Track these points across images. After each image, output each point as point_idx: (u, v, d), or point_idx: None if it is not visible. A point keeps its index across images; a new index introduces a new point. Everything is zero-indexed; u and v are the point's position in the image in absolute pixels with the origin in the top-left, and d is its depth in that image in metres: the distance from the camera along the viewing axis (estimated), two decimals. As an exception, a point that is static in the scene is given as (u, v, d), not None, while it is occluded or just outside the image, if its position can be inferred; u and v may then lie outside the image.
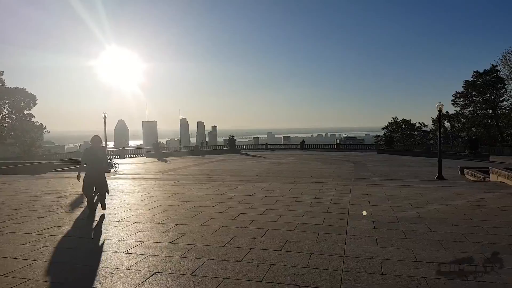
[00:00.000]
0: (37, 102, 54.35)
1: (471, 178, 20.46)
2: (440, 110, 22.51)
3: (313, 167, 29.42)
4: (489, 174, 17.40)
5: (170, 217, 8.20)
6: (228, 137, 57.76)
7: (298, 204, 9.62)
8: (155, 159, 40.41)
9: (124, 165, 32.91)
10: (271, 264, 5.18)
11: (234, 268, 5.05)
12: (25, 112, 53.32)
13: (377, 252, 5.69)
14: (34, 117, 54.62)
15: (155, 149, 45.77)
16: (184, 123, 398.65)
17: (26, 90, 53.34)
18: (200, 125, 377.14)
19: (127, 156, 47.31)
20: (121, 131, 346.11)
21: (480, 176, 19.72)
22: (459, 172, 24.12)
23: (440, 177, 21.80)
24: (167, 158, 40.92)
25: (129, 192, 12.02)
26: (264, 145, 63.19)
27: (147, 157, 44.90)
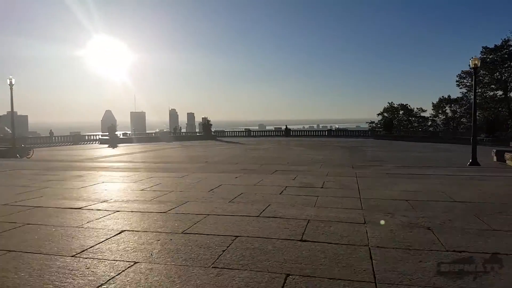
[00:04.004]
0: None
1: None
2: (475, 67, 15.59)
3: (297, 153, 22.35)
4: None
5: None
6: (202, 122, 49.88)
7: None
8: (107, 145, 33.10)
9: (53, 151, 25.65)
10: None
11: None
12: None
13: None
14: None
15: (111, 134, 38.27)
16: (173, 114, 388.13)
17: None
18: (190, 116, 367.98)
19: (83, 142, 40.68)
20: (109, 122, 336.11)
21: (537, 162, 13.16)
22: (495, 157, 17.61)
23: (474, 163, 15.00)
24: (121, 145, 33.55)
25: None
26: (246, 132, 55.74)
27: (100, 143, 37.48)
